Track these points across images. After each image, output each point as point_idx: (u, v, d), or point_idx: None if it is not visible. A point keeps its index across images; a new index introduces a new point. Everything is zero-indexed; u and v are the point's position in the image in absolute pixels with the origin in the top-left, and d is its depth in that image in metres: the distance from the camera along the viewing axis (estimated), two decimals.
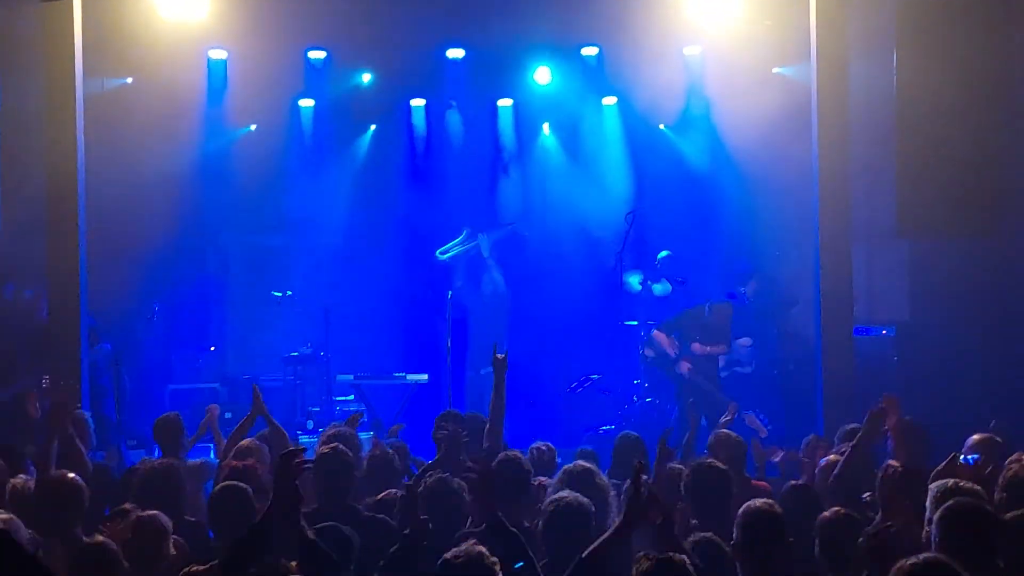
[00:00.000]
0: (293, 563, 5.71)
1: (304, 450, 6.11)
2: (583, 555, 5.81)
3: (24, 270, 13.62)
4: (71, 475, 7.63)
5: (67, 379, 11.35)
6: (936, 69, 13.32)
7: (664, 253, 16.23)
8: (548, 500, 6.75)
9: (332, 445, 8.04)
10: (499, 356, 9.22)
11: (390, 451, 9.19)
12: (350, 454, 7.94)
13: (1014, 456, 7.87)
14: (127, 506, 7.32)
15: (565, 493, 6.75)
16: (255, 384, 10.04)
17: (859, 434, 8.53)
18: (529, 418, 15.65)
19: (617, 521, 5.95)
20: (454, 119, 17.53)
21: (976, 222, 13.56)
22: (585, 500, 6.64)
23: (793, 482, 8.29)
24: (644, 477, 5.97)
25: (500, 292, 14.86)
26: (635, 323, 16.19)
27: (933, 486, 6.64)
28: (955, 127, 13.24)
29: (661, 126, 17.09)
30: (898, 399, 9.05)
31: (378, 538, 6.68)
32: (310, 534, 5.89)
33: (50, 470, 8.07)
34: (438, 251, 15.77)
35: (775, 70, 15.32)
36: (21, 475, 8.33)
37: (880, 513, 6.83)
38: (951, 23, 13.20)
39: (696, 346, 14.79)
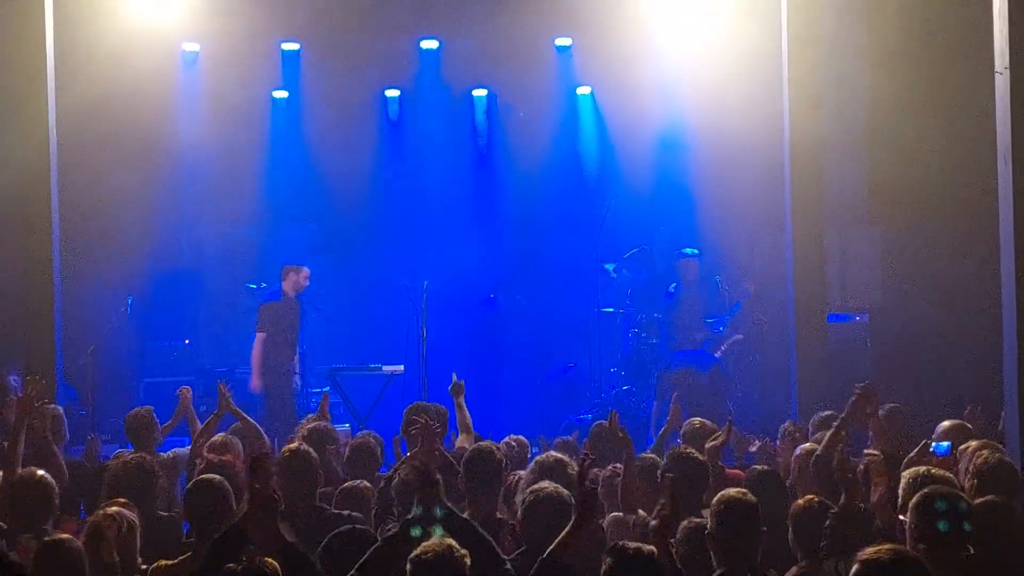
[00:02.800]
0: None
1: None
2: (543, 556, 5.84)
3: None
4: (40, 473, 7.58)
5: (39, 373, 11.31)
6: (906, 60, 13.43)
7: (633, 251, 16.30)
8: (527, 490, 6.75)
9: (295, 445, 8.02)
10: (458, 382, 9.28)
11: (372, 440, 9.18)
12: (314, 453, 7.88)
13: (979, 444, 7.93)
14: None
15: (545, 483, 6.75)
16: (220, 382, 10.02)
17: (840, 418, 8.54)
18: (505, 406, 15.71)
19: (572, 521, 5.98)
20: (429, 108, 17.54)
21: (945, 209, 13.68)
22: (564, 491, 6.64)
23: (758, 467, 8.34)
24: (595, 470, 6.03)
25: None
26: (611, 310, 16.25)
27: (905, 473, 6.71)
28: (924, 117, 13.35)
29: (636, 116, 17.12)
30: (875, 392, 9.07)
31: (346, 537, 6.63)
32: (288, 537, 5.88)
33: (17, 469, 7.96)
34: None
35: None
36: None
37: (844, 496, 6.88)
38: (919, 16, 13.32)
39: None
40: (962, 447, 7.88)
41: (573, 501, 6.57)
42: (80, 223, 14.52)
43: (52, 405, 10.28)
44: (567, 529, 5.93)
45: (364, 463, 8.93)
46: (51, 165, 12.25)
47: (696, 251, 15.47)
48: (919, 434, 8.77)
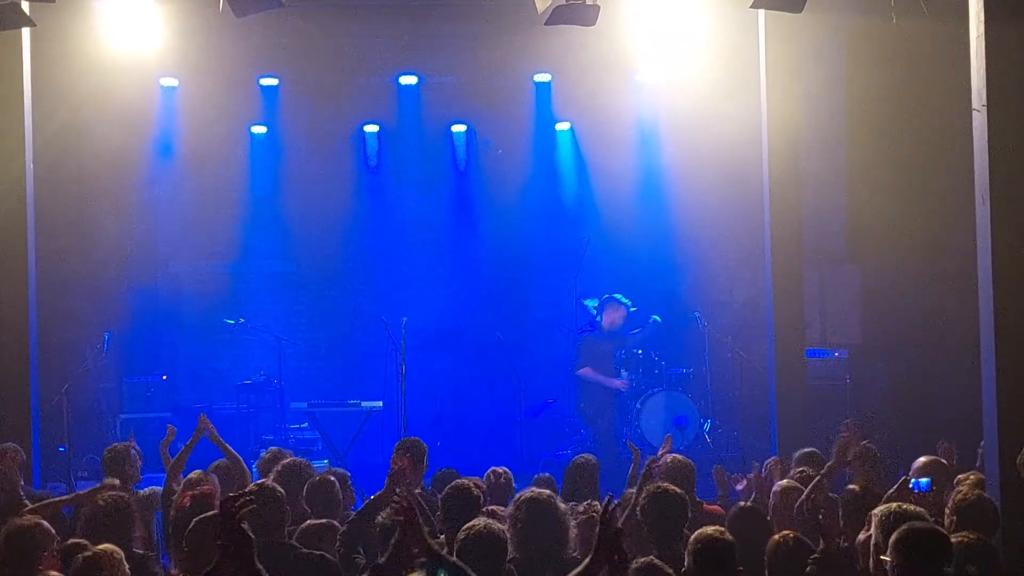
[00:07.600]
0: None
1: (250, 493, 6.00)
2: None
3: None
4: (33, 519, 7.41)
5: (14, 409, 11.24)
6: (885, 98, 13.48)
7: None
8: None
9: (263, 480, 7.96)
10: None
11: (331, 479, 9.03)
12: (280, 489, 7.79)
13: (961, 477, 7.93)
14: (75, 541, 7.22)
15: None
16: (202, 414, 9.90)
17: (829, 464, 8.49)
18: (485, 442, 15.65)
19: (586, 560, 5.84)
20: (408, 144, 17.54)
21: (924, 246, 13.73)
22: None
23: (741, 503, 8.31)
24: (615, 508, 5.88)
25: None
26: None
27: (876, 510, 6.66)
28: (903, 155, 13.41)
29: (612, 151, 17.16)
30: (857, 431, 9.06)
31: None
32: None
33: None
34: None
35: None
36: None
37: (822, 540, 6.84)
38: (897, 55, 13.39)
39: None
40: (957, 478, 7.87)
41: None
42: (57, 259, 14.45)
43: (11, 444, 10.17)
44: (580, 569, 5.77)
45: (324, 502, 8.77)
46: (28, 202, 12.17)
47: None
48: (895, 469, 8.78)
